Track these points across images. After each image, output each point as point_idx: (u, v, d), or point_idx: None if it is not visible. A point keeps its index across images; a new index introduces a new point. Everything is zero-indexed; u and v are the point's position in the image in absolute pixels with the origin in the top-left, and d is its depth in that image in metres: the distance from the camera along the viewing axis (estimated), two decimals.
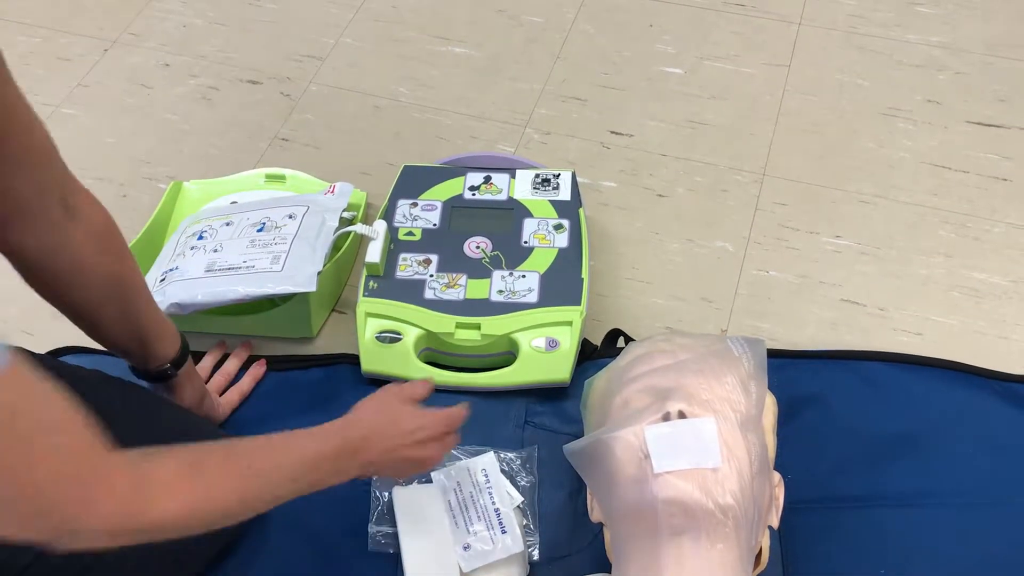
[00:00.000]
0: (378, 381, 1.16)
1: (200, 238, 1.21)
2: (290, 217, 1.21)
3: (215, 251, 1.18)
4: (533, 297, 1.17)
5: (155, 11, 1.71)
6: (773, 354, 1.01)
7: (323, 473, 0.85)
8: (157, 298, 1.07)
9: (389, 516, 1.04)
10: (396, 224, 1.26)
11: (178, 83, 1.59)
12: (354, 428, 0.89)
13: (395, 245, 1.23)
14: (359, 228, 1.23)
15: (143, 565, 0.92)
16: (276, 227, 1.20)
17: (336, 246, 1.24)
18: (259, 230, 1.20)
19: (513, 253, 1.22)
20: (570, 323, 1.15)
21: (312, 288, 1.14)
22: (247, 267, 1.15)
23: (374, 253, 1.19)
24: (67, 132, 1.52)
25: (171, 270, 1.18)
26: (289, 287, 1.13)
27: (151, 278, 1.19)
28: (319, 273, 1.15)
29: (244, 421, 1.14)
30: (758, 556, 0.90)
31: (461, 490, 1.04)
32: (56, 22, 1.70)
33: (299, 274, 1.14)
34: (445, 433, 0.96)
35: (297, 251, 1.17)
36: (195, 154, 1.48)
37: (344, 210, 1.26)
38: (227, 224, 1.22)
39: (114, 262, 0.92)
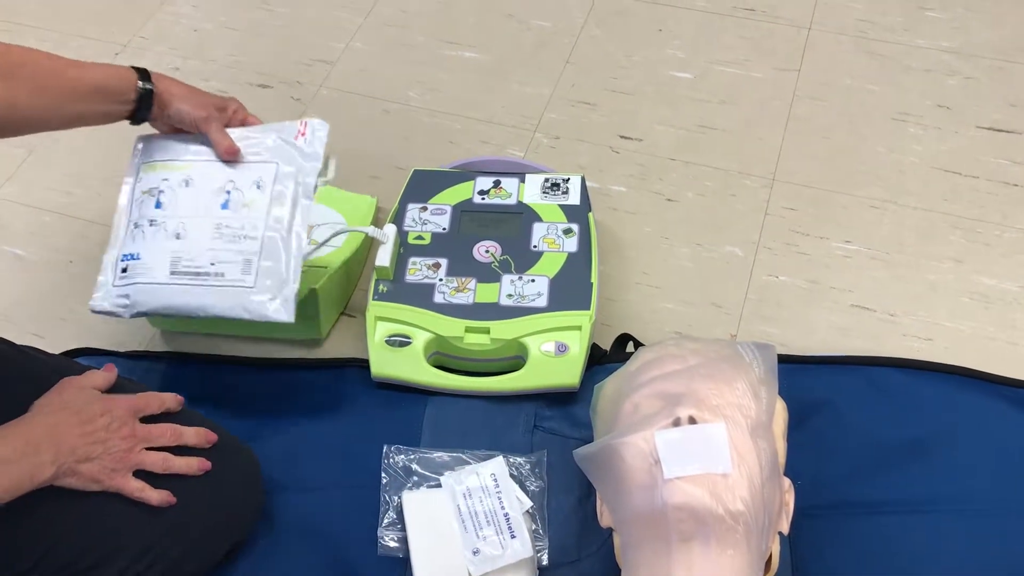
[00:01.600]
0: (387, 385, 1.16)
1: (158, 206, 1.09)
2: (257, 187, 1.09)
3: (177, 237, 1.07)
4: (542, 301, 1.17)
5: (166, 15, 1.72)
6: (783, 359, 1.00)
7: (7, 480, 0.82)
8: (117, 293, 1.07)
9: (399, 520, 1.04)
10: (406, 228, 1.26)
11: None
12: (35, 426, 0.87)
13: (404, 249, 1.24)
14: (369, 231, 1.23)
15: (148, 567, 0.92)
16: (243, 204, 1.08)
17: (349, 251, 1.23)
18: (223, 206, 1.08)
19: (522, 257, 1.22)
20: (579, 328, 1.15)
21: (288, 318, 1.05)
22: (216, 274, 1.05)
23: (384, 257, 1.19)
24: (79, 135, 1.52)
25: (132, 257, 1.08)
26: (262, 315, 1.05)
27: (109, 257, 1.10)
28: (296, 294, 1.05)
29: (253, 424, 1.14)
30: (768, 562, 0.90)
31: (470, 494, 1.04)
32: (68, 26, 1.70)
33: (273, 294, 1.05)
34: (132, 417, 0.93)
35: (269, 253, 1.06)
36: None
37: (323, 167, 1.12)
38: (186, 184, 1.10)
39: (14, 76, 0.96)
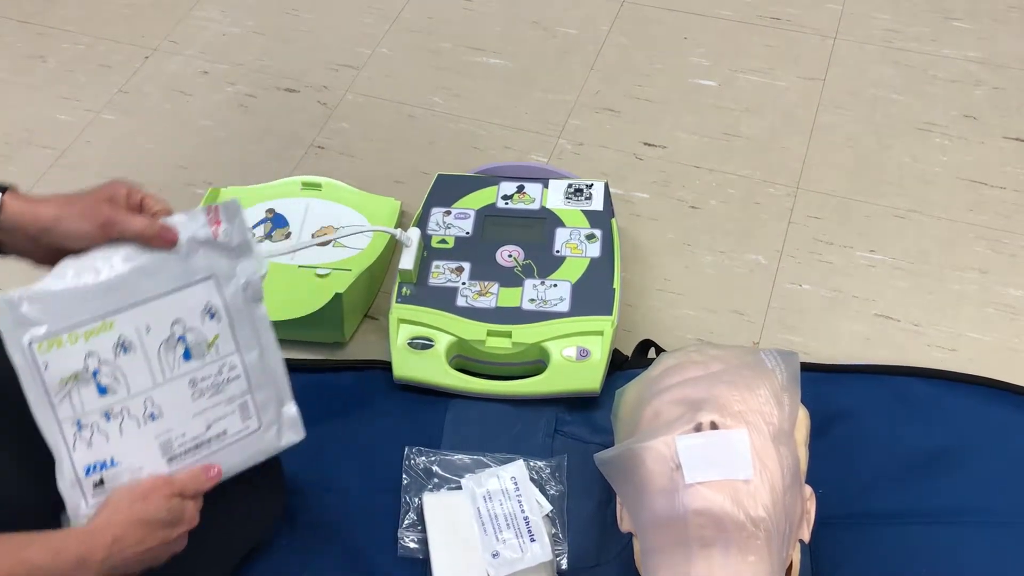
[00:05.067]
0: (409, 387, 1.17)
1: (103, 392, 0.84)
2: (211, 317, 0.88)
3: (153, 418, 0.86)
4: (564, 306, 1.17)
5: (195, 20, 1.74)
6: (805, 368, 1.00)
7: None
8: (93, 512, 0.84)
9: (419, 522, 1.04)
10: (429, 232, 1.26)
11: (216, 90, 1.61)
12: (96, 547, 0.78)
13: (428, 252, 1.24)
14: (394, 232, 1.24)
15: (169, 569, 0.93)
16: (207, 344, 0.88)
17: (373, 254, 1.24)
18: (186, 356, 0.87)
19: (545, 262, 1.22)
20: (601, 333, 1.15)
21: (300, 436, 0.96)
22: (217, 436, 0.90)
23: (407, 260, 1.20)
24: (107, 137, 1.55)
25: (103, 466, 0.85)
26: (276, 449, 0.95)
27: (65, 481, 0.83)
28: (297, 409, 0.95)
29: None
30: (788, 570, 0.90)
31: (490, 497, 1.04)
32: (98, 30, 1.73)
33: (278, 423, 0.94)
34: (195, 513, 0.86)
35: (258, 383, 0.92)
36: (232, 161, 1.50)
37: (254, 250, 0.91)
38: (124, 350, 0.85)
39: None
